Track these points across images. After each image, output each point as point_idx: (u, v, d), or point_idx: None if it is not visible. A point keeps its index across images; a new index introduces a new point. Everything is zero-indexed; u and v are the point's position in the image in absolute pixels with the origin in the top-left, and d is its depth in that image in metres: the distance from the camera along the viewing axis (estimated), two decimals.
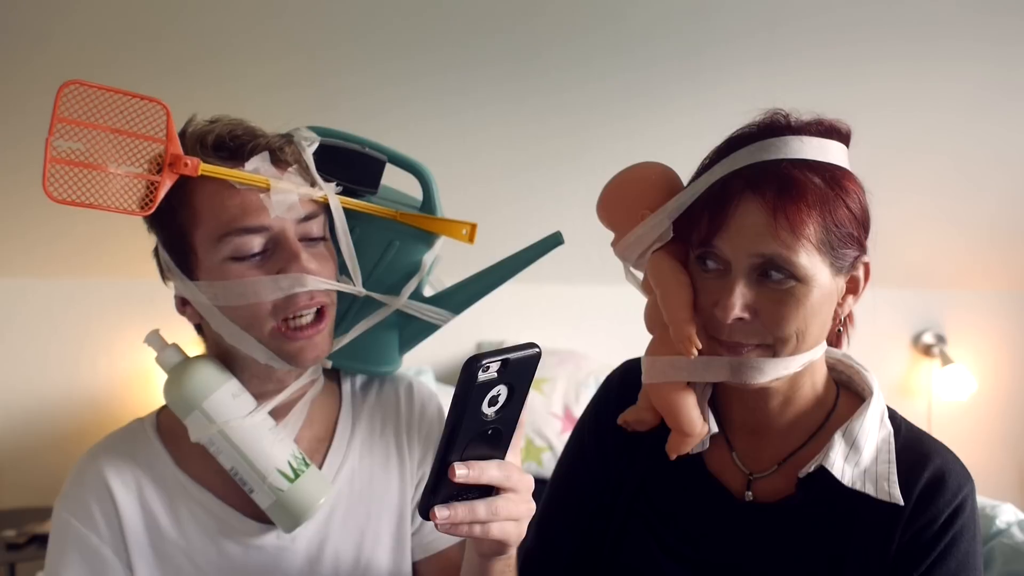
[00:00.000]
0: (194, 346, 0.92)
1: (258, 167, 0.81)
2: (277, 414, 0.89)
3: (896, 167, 2.39)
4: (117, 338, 2.55)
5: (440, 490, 0.63)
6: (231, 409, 0.83)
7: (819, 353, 0.81)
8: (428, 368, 2.72)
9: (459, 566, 0.94)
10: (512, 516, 0.67)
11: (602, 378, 1.00)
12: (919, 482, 0.78)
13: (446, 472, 0.62)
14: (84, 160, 0.77)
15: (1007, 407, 3.19)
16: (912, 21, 1.88)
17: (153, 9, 1.70)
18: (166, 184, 0.79)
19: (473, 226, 0.95)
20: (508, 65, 1.97)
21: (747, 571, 0.82)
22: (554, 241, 0.94)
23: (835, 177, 0.75)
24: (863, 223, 0.78)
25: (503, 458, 0.66)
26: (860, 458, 0.79)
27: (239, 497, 0.86)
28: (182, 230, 0.82)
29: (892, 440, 0.81)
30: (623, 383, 0.95)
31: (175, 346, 0.87)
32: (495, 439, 0.64)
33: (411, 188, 0.98)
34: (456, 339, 2.85)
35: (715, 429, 0.86)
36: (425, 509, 0.63)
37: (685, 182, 0.85)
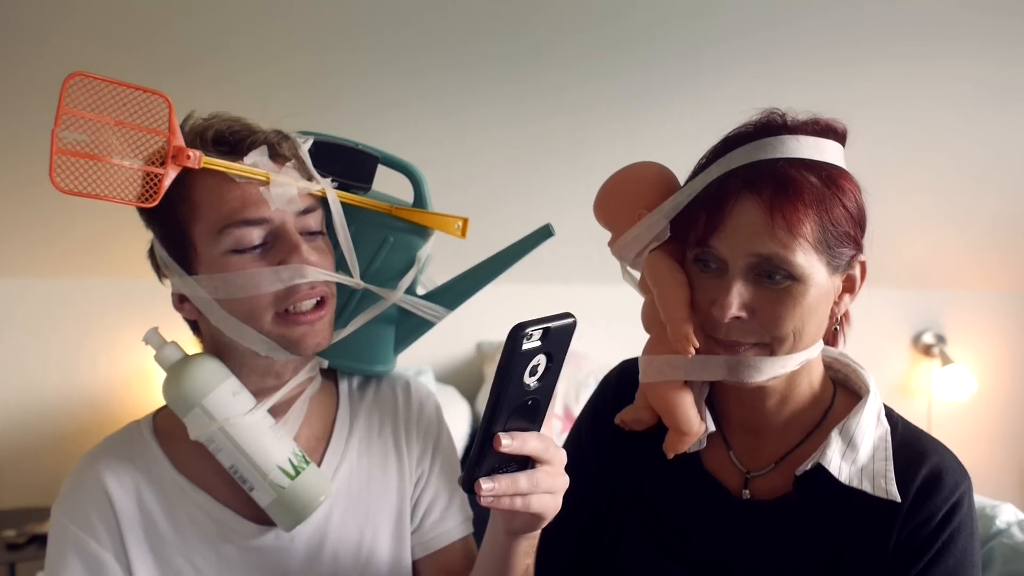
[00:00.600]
0: (193, 346, 0.92)
1: (257, 161, 0.82)
2: (276, 412, 0.89)
3: (896, 166, 2.39)
4: (117, 338, 2.55)
5: (484, 462, 0.63)
6: (231, 406, 0.83)
7: (816, 352, 0.81)
8: (428, 368, 2.73)
9: (459, 564, 0.94)
10: (550, 489, 0.67)
11: (601, 378, 1.00)
12: (916, 479, 0.78)
13: (491, 443, 0.62)
14: (89, 152, 0.78)
15: (1007, 407, 3.19)
16: (912, 21, 1.88)
17: (153, 9, 1.70)
18: (170, 176, 0.79)
19: (465, 220, 0.95)
20: (508, 66, 1.97)
21: (745, 569, 0.83)
22: (545, 233, 0.94)
23: (831, 176, 0.76)
24: (859, 222, 0.78)
25: (539, 431, 0.67)
26: (857, 456, 0.79)
27: (237, 498, 0.86)
28: (181, 224, 0.82)
29: (889, 438, 0.81)
30: (620, 383, 0.95)
31: (174, 344, 0.87)
32: (533, 411, 0.65)
33: (403, 191, 0.98)
34: (456, 339, 2.85)
35: (712, 428, 0.86)
36: (469, 482, 0.63)
37: (683, 182, 0.85)
